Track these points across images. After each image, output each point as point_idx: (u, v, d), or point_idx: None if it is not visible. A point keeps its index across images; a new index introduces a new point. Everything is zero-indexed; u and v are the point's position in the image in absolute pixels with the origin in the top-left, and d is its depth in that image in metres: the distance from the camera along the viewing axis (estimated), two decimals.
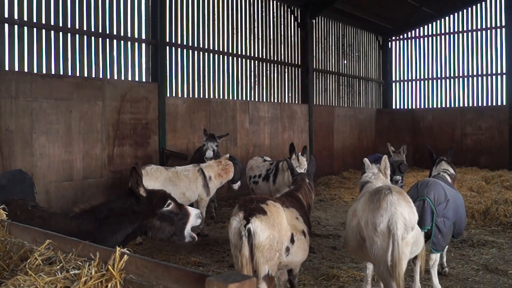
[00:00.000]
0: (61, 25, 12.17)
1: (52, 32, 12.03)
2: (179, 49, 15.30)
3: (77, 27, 12.51)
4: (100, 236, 4.64)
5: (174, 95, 15.03)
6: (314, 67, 21.39)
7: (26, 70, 11.44)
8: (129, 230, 4.80)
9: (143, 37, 14.16)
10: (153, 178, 9.91)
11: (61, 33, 12.20)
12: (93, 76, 12.82)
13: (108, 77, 13.18)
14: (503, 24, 23.75)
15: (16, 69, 11.30)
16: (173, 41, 15.04)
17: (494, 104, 24.06)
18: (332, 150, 22.27)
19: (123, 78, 13.58)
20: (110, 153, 12.78)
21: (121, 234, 4.76)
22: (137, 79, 13.95)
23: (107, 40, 13.27)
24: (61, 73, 12.14)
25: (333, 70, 23.15)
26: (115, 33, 13.42)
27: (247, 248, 5.24)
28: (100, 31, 13.05)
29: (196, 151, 13.63)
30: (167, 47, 14.72)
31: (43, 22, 11.83)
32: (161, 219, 4.82)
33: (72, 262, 3.27)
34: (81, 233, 4.59)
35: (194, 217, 4.98)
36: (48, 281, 3.06)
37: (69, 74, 12.29)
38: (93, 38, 12.89)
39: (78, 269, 3.15)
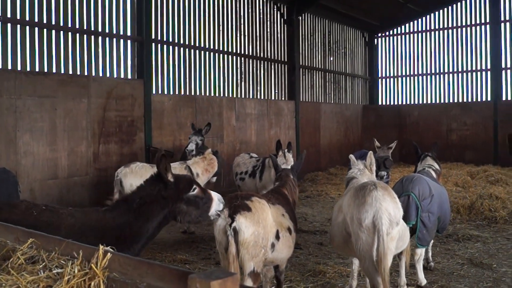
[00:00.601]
0: (45, 22, 12.07)
1: (36, 29, 11.94)
2: (165, 46, 15.25)
3: (61, 24, 12.43)
4: (136, 225, 4.68)
5: (160, 92, 14.98)
6: (301, 63, 21.42)
7: (9, 67, 11.34)
8: (161, 216, 4.80)
9: (129, 33, 14.09)
10: (138, 176, 9.82)
11: (45, 30, 12.10)
12: (78, 73, 12.73)
13: (93, 74, 13.09)
14: (488, 20, 23.97)
15: (0, 66, 11.19)
16: (159, 38, 14.98)
17: (479, 100, 24.25)
18: (319, 146, 22.30)
19: (108, 75, 13.51)
20: (96, 150, 12.71)
21: (154, 221, 4.77)
22: (122, 76, 13.88)
23: (92, 37, 13.17)
24: (46, 70, 12.04)
25: (320, 67, 23.19)
26: (100, 30, 13.33)
27: (234, 246, 5.25)
28: (85, 28, 12.95)
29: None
30: (153, 44, 14.65)
31: (27, 19, 11.73)
32: (187, 203, 4.87)
33: (55, 261, 3.22)
34: (118, 225, 4.65)
35: (217, 202, 5.02)
36: (31, 280, 3.02)
37: (54, 71, 12.21)
38: (78, 35, 12.80)
39: (61, 268, 3.11)
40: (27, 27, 11.76)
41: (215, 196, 5.05)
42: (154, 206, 4.75)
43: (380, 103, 27.47)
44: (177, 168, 10.62)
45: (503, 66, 23.49)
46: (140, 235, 4.69)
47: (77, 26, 12.78)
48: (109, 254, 2.98)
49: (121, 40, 13.88)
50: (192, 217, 4.92)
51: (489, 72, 23.89)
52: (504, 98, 23.36)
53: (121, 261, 2.95)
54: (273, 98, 19.97)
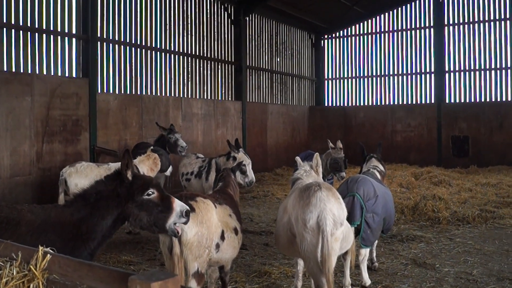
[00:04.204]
0: None
1: None
2: (110, 45, 15.06)
3: (4, 21, 12.14)
4: (92, 221, 4.51)
5: (105, 91, 14.80)
6: (248, 64, 21.48)
7: None
8: (115, 214, 4.59)
9: (74, 31, 13.86)
10: (83, 176, 9.72)
11: None
12: (21, 71, 12.47)
13: (37, 72, 12.84)
14: (432, 24, 24.63)
15: None
16: (105, 36, 14.79)
17: (423, 102, 24.89)
18: (266, 147, 22.42)
19: (52, 73, 13.25)
20: (39, 150, 12.46)
21: (108, 219, 4.57)
22: (67, 74, 13.65)
23: (36, 34, 12.92)
24: None
25: (267, 68, 23.31)
26: (44, 27, 13.08)
27: (178, 247, 5.24)
28: (29, 25, 12.70)
29: (135, 146, 13.39)
30: (98, 42, 14.44)
31: None
32: (139, 207, 4.59)
33: None
34: (76, 220, 4.50)
35: (177, 215, 4.66)
36: None
37: None
38: (21, 32, 12.53)
39: None
40: None
41: (178, 207, 4.70)
42: (109, 203, 4.59)
43: (326, 104, 27.80)
44: None
45: (447, 69, 24.18)
46: (95, 231, 4.52)
47: (21, 23, 12.51)
48: (48, 255, 2.96)
49: (66, 38, 13.64)
50: (144, 222, 4.64)
51: (433, 75, 24.55)
52: (447, 101, 24.08)
53: (61, 262, 2.93)
54: (220, 98, 19.96)
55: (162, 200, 4.67)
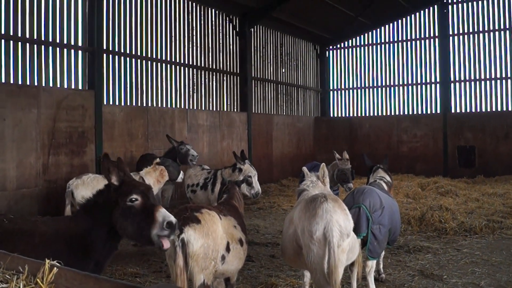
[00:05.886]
0: None
1: None
2: (116, 57, 15.13)
3: (11, 33, 12.22)
4: (94, 232, 4.43)
5: (111, 103, 14.85)
6: (253, 75, 21.53)
7: None
8: (110, 224, 4.48)
9: (80, 44, 13.93)
10: (90, 188, 9.70)
11: None
12: (28, 83, 12.53)
13: (44, 84, 12.90)
14: (437, 34, 24.62)
15: None
16: (111, 49, 14.86)
17: (429, 112, 24.86)
18: (271, 158, 22.41)
19: (58, 85, 13.31)
20: (45, 162, 12.49)
21: (105, 228, 4.47)
22: (73, 86, 13.70)
23: (43, 46, 13.00)
24: None
25: (272, 79, 23.34)
26: (50, 39, 13.16)
27: (181, 258, 5.22)
28: (35, 37, 12.78)
29: (141, 157, 13.41)
30: (104, 55, 14.51)
31: None
32: (123, 214, 4.38)
33: (0, 275, 3.18)
34: (81, 231, 4.46)
35: (160, 226, 4.30)
36: None
37: (3, 81, 11.99)
38: (28, 44, 12.61)
39: (6, 283, 3.07)
40: None
41: (160, 217, 4.33)
42: (105, 211, 4.50)
43: (331, 115, 27.79)
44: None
45: (452, 79, 24.16)
46: (98, 241, 4.45)
47: (27, 36, 12.59)
48: (55, 268, 2.96)
49: (72, 50, 13.71)
50: (129, 231, 4.41)
51: (438, 85, 24.54)
52: (453, 111, 24.05)
53: (67, 275, 2.93)
54: (225, 109, 19.99)
55: (144, 208, 4.40)
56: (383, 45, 26.30)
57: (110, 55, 14.89)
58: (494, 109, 23.37)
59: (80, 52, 13.93)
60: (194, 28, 18.36)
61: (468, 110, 23.88)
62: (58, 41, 13.34)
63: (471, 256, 9.72)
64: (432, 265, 9.19)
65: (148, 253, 10.27)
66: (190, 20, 18.14)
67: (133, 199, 4.41)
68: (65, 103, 12.98)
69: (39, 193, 12.33)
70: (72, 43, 13.73)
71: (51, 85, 13.13)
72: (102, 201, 4.57)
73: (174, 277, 5.30)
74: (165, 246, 4.39)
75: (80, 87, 13.89)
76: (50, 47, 13.19)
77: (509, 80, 23.17)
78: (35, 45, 12.82)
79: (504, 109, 23.17)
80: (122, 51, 15.30)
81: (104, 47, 14.49)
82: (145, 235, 4.34)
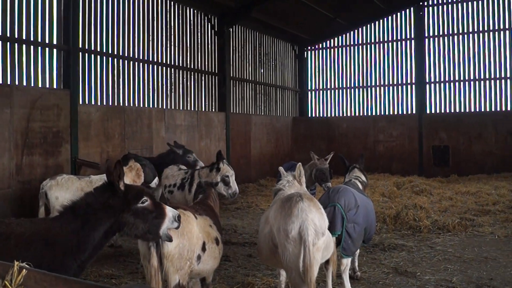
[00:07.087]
0: None
1: None
2: (92, 55, 14.95)
3: None
4: (83, 234, 4.52)
5: (87, 102, 14.67)
6: (231, 75, 21.51)
7: None
8: (107, 225, 4.64)
9: (55, 42, 13.73)
10: (64, 188, 9.61)
11: None
12: (0, 82, 12.32)
13: (17, 83, 12.69)
14: (413, 36, 24.91)
15: None
16: (87, 47, 14.68)
17: (404, 112, 25.14)
18: (250, 158, 22.40)
19: (33, 84, 13.11)
20: (19, 162, 12.28)
21: (100, 230, 4.60)
22: (48, 85, 13.50)
23: (16, 44, 12.77)
24: None
25: (250, 79, 23.35)
26: (24, 37, 12.95)
27: (156, 259, 5.19)
28: (8, 35, 12.55)
29: (123, 157, 13.23)
30: (80, 53, 14.34)
31: None
32: (134, 215, 4.71)
33: None
34: (66, 233, 4.48)
35: (170, 220, 4.86)
36: None
37: None
38: (0, 42, 12.40)
39: None
40: None
41: (170, 213, 4.89)
42: (100, 214, 4.62)
43: (310, 115, 27.91)
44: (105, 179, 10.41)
45: (427, 80, 24.48)
46: (86, 243, 4.53)
47: (0, 33, 12.38)
48: (24, 270, 2.90)
49: (47, 49, 13.52)
50: (139, 230, 4.75)
51: (414, 86, 24.85)
52: (428, 111, 24.36)
53: (37, 277, 2.87)
54: (203, 109, 19.93)
55: (155, 207, 4.84)
56: (360, 46, 26.48)
57: (86, 54, 14.71)
58: (467, 110, 23.73)
59: (55, 50, 13.73)
60: (172, 27, 18.27)
61: (442, 111, 24.25)
62: (32, 39, 13.12)
63: (444, 253, 9.89)
64: (406, 263, 9.33)
65: (124, 254, 10.20)
66: (168, 19, 18.05)
67: (144, 201, 4.80)
68: (39, 103, 12.77)
69: (12, 195, 12.10)
70: (47, 41, 13.52)
71: (24, 84, 12.90)
72: (96, 205, 4.67)
73: (148, 278, 5.26)
74: (173, 237, 5.02)
75: (55, 86, 13.69)
76: (24, 45, 12.96)
77: (482, 81, 23.51)
78: (8, 43, 12.57)
79: (477, 109, 23.54)
80: (99, 49, 15.13)
81: (80, 46, 14.30)
82: (155, 231, 4.82)
